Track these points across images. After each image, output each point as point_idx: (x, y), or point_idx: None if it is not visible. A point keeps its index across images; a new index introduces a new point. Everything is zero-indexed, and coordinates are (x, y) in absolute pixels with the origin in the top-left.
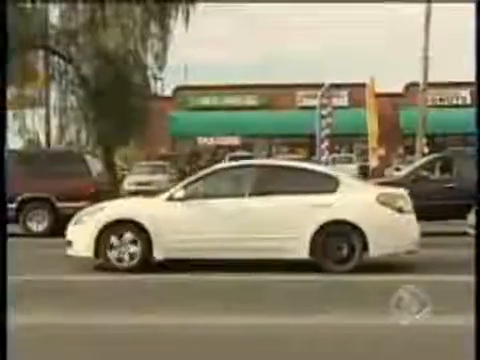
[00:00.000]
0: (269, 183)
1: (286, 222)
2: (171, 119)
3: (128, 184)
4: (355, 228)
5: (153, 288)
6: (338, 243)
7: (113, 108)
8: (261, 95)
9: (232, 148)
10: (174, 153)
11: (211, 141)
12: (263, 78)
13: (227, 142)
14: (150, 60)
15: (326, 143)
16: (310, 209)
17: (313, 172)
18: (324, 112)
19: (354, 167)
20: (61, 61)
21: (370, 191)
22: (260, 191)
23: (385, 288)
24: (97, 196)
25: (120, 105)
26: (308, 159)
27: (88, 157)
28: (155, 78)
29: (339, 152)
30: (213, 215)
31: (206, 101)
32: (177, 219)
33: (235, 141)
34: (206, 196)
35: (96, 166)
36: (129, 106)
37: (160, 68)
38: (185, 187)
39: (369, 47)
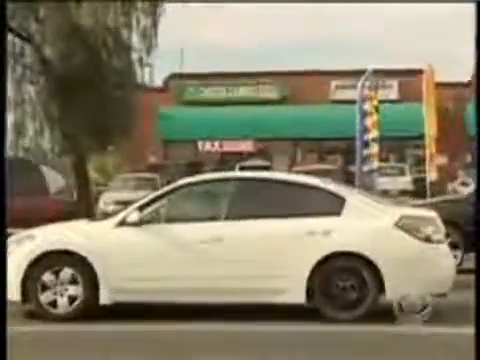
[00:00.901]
0: (252, 203)
1: (275, 255)
2: (163, 117)
3: (104, 203)
4: (367, 263)
5: (99, 341)
6: (344, 283)
7: (86, 103)
8: (282, 85)
9: (244, 156)
10: (167, 162)
11: (216, 146)
12: (284, 64)
13: (237, 148)
14: (136, 40)
15: (374, 148)
16: (307, 238)
17: (310, 188)
18: (367, 107)
19: (407, 180)
20: (17, 40)
21: (388, 213)
22: (240, 214)
23: (403, 342)
24: (56, 220)
25: (95, 99)
26: (344, 169)
27: (44, 168)
28: (142, 63)
29: (387, 160)
30: (178, 246)
31: (209, 93)
32: (131, 250)
33: (248, 146)
34: (169, 220)
35: (56, 180)
36: (107, 100)
37: (148, 51)
38: (141, 208)
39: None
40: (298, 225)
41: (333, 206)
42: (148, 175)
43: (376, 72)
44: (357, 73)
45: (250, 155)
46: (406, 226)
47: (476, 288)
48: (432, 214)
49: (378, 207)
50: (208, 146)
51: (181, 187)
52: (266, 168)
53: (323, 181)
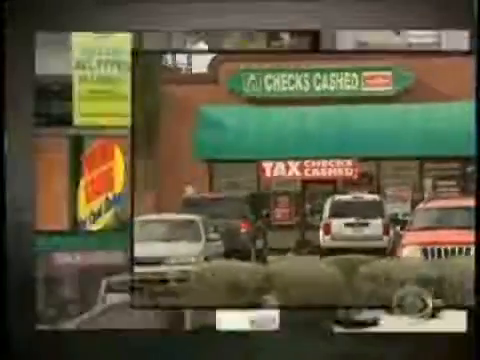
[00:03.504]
0: None
1: None
2: (205, 122)
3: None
4: None
5: None
6: None
7: None
8: (401, 71)
9: (339, 184)
10: (215, 194)
11: (293, 170)
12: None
13: (328, 172)
14: None
15: None
16: None
17: None
18: None
19: None
20: None
21: None
22: None
23: None
24: None
25: None
26: None
27: None
28: None
29: None
30: None
31: (277, 85)
32: None
33: (346, 169)
34: None
35: None
36: None
37: None
38: None
39: None
40: None
41: None
42: (182, 217)
43: None
44: None
45: (351, 184)
46: None
47: (476, 288)
48: None
49: None
50: (281, 169)
51: None
52: (376, 204)
53: None
